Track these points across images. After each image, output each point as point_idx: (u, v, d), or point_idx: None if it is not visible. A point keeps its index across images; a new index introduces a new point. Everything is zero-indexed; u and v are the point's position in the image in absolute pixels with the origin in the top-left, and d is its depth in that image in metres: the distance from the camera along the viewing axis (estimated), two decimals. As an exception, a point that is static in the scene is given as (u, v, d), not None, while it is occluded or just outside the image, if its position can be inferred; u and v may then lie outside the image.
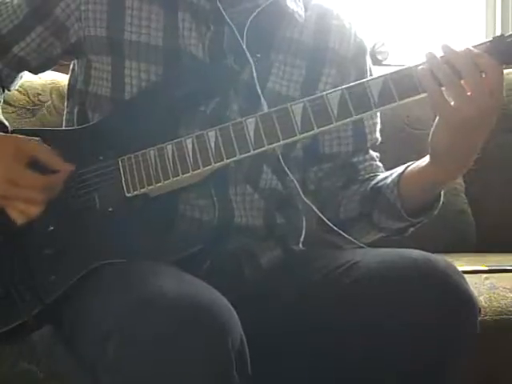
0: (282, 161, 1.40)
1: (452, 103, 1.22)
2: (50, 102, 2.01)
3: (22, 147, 1.31)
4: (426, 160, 1.33)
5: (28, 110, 2.00)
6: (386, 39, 2.53)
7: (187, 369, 1.04)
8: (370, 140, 1.51)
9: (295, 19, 1.43)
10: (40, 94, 2.02)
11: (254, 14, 1.38)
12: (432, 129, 1.27)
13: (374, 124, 1.51)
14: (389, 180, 1.39)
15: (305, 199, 1.46)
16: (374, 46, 2.48)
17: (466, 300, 1.22)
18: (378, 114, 1.52)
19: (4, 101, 1.98)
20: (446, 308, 1.19)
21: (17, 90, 1.99)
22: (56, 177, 1.31)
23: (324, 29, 1.46)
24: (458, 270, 1.25)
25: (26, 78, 1.98)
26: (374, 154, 1.52)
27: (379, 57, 2.49)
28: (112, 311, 1.12)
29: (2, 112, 1.97)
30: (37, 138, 1.35)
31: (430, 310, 1.19)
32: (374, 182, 1.43)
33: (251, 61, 1.37)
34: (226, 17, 1.36)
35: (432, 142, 1.28)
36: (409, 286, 1.21)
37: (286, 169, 1.41)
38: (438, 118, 1.26)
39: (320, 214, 1.43)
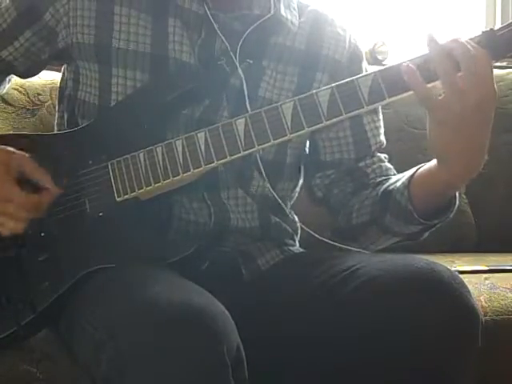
0: (261, 166, 1.39)
1: (442, 97, 1.19)
2: (49, 102, 2.01)
3: (11, 163, 1.30)
4: (433, 161, 1.28)
5: (28, 110, 2.00)
6: (385, 39, 2.52)
7: (181, 378, 1.03)
8: (374, 144, 1.48)
9: (288, 27, 1.43)
10: (40, 94, 2.01)
11: (256, 24, 1.38)
12: (427, 127, 1.23)
13: (377, 128, 1.49)
14: (399, 183, 1.35)
15: (286, 209, 1.46)
16: (374, 46, 2.48)
17: (468, 313, 1.19)
18: (381, 117, 1.50)
19: (4, 101, 1.99)
20: (446, 320, 1.17)
21: (17, 90, 1.99)
22: (44, 197, 1.29)
23: (318, 35, 1.46)
24: (462, 282, 1.21)
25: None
26: (382, 156, 1.50)
27: (379, 57, 2.48)
28: (104, 322, 1.11)
29: (2, 112, 1.98)
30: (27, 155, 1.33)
31: (430, 321, 1.17)
32: (385, 186, 1.40)
33: (238, 65, 1.36)
34: (214, 23, 1.35)
35: (429, 141, 1.24)
36: (411, 296, 1.18)
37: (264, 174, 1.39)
38: (427, 114, 1.22)
39: (305, 228, 1.43)
